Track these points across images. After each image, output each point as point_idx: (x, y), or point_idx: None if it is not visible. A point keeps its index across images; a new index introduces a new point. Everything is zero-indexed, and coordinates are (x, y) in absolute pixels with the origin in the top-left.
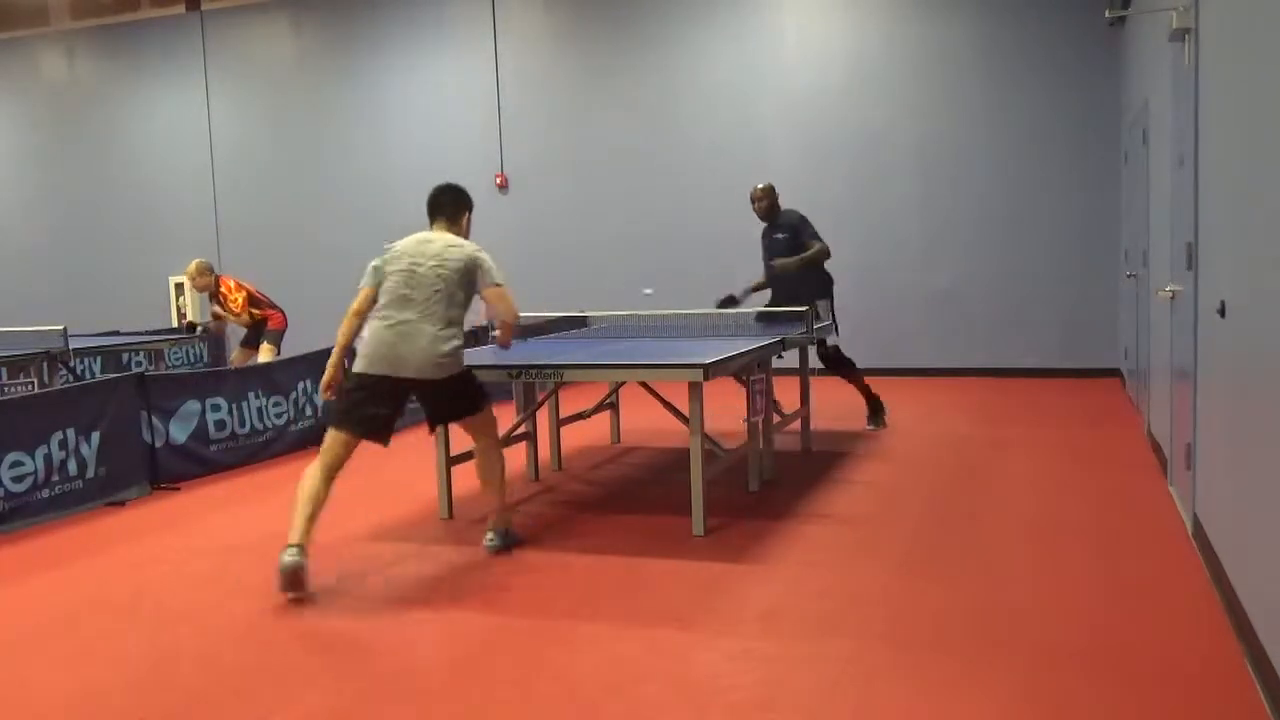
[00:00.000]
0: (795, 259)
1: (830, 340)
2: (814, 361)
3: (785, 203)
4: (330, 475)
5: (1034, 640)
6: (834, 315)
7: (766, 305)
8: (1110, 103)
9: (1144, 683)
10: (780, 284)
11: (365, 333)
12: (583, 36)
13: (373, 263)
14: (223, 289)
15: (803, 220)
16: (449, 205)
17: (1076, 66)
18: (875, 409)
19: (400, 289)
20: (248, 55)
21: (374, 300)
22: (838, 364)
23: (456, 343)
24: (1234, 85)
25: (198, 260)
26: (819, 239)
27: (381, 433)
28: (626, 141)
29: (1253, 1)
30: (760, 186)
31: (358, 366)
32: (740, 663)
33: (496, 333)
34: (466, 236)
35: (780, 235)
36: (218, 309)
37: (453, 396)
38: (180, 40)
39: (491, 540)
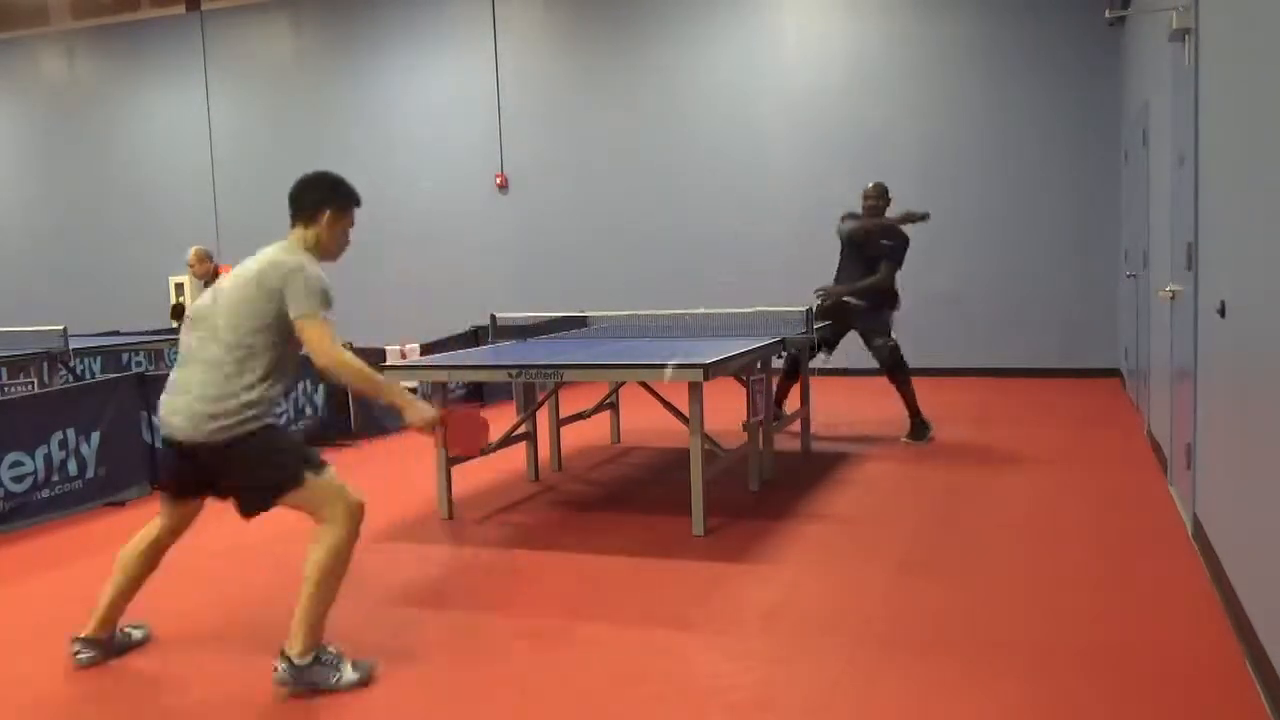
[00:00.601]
0: (858, 286)
1: (894, 338)
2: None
3: (785, 202)
4: (151, 544)
5: (1034, 640)
6: (891, 322)
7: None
8: (1110, 103)
9: (1144, 683)
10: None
11: None
12: (583, 36)
13: None
14: (220, 276)
15: (897, 244)
16: (305, 200)
17: (1076, 66)
18: (916, 426)
19: None
20: (248, 55)
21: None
22: (895, 366)
23: (235, 400)
24: (1234, 85)
25: (197, 247)
26: (894, 265)
27: (191, 494)
28: (626, 141)
29: (1253, 1)
30: (873, 185)
31: None
32: (740, 663)
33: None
34: (328, 243)
35: (886, 242)
36: None
37: (235, 470)
38: (180, 40)
39: (278, 670)
